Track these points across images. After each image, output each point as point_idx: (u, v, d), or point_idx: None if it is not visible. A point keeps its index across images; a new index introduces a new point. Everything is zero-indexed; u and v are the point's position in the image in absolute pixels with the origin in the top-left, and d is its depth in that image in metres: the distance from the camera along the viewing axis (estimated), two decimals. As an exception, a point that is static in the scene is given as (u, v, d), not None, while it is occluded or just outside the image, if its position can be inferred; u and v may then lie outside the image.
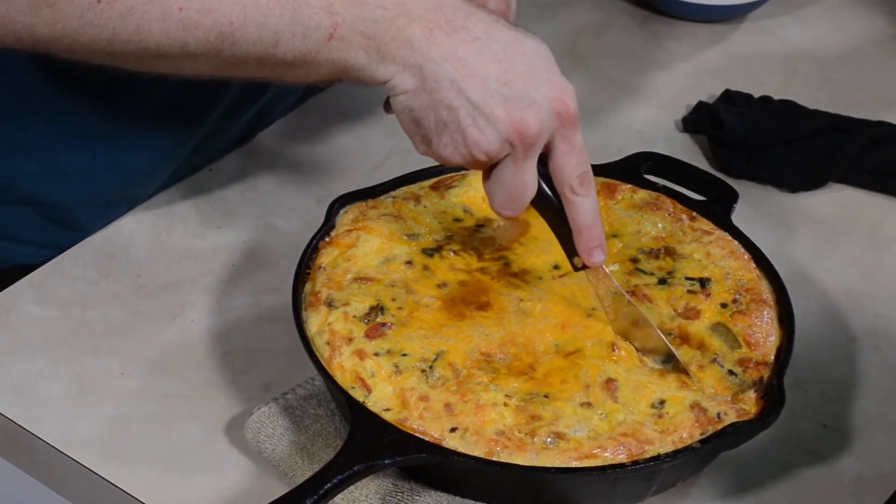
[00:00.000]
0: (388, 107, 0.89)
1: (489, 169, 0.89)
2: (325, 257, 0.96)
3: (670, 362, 0.89)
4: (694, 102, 1.28)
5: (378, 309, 0.92)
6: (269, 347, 1.00)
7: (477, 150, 0.86)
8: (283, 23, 0.85)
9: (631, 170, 1.05)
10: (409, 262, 0.96)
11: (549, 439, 0.84)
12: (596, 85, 1.32)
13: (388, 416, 0.85)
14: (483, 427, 0.84)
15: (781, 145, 1.21)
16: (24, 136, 1.05)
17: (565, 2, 1.46)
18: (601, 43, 1.40)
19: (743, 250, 0.98)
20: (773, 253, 0.99)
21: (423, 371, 0.88)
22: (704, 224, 1.00)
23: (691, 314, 0.93)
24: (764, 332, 0.92)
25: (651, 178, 1.05)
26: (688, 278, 0.96)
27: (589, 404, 0.86)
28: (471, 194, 1.02)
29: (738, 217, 1.02)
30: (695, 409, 0.86)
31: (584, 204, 0.89)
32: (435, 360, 0.89)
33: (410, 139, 0.89)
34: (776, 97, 1.29)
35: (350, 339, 0.90)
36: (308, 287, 0.95)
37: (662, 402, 0.86)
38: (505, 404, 0.86)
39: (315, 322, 0.92)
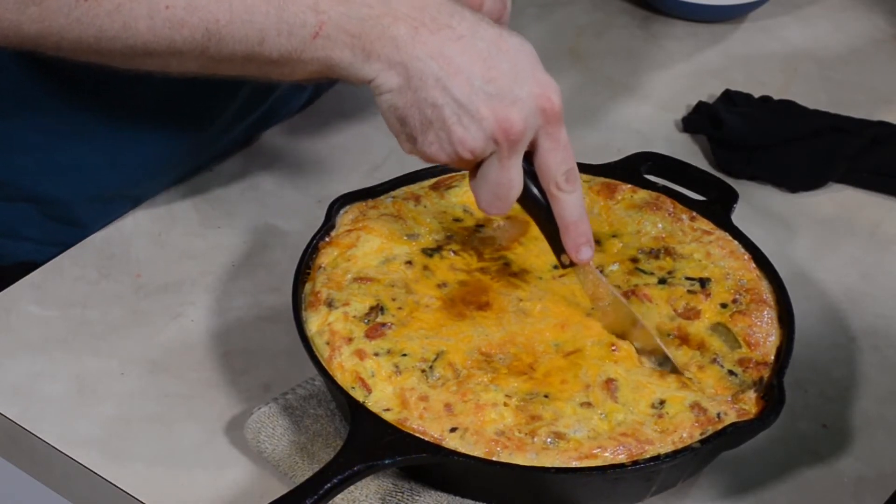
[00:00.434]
0: None
1: (475, 167, 0.88)
2: (325, 257, 0.96)
3: (667, 364, 0.89)
4: (694, 102, 1.28)
5: (378, 309, 0.92)
6: (269, 347, 1.00)
7: (462, 148, 0.86)
8: (268, 21, 0.85)
9: (631, 170, 1.05)
10: (409, 262, 0.96)
11: (549, 439, 0.84)
12: (596, 84, 1.32)
13: (388, 416, 0.85)
14: (483, 427, 0.84)
15: (781, 145, 1.21)
16: (22, 133, 1.05)
17: (565, 1, 1.46)
18: (601, 42, 1.40)
19: (743, 250, 0.98)
20: (773, 253, 0.99)
21: (423, 371, 0.88)
22: (704, 224, 1.00)
23: (691, 314, 0.93)
24: (764, 332, 0.92)
25: (651, 178, 1.05)
26: (688, 278, 0.96)
27: (589, 404, 0.86)
28: (471, 194, 1.02)
29: (738, 217, 1.02)
30: (695, 409, 0.86)
31: (570, 200, 0.89)
32: (435, 360, 0.89)
33: (396, 138, 0.89)
34: (776, 97, 1.29)
35: (350, 339, 0.90)
36: (308, 287, 0.95)
37: (662, 402, 0.86)
38: (505, 404, 0.85)
39: (315, 322, 0.92)
